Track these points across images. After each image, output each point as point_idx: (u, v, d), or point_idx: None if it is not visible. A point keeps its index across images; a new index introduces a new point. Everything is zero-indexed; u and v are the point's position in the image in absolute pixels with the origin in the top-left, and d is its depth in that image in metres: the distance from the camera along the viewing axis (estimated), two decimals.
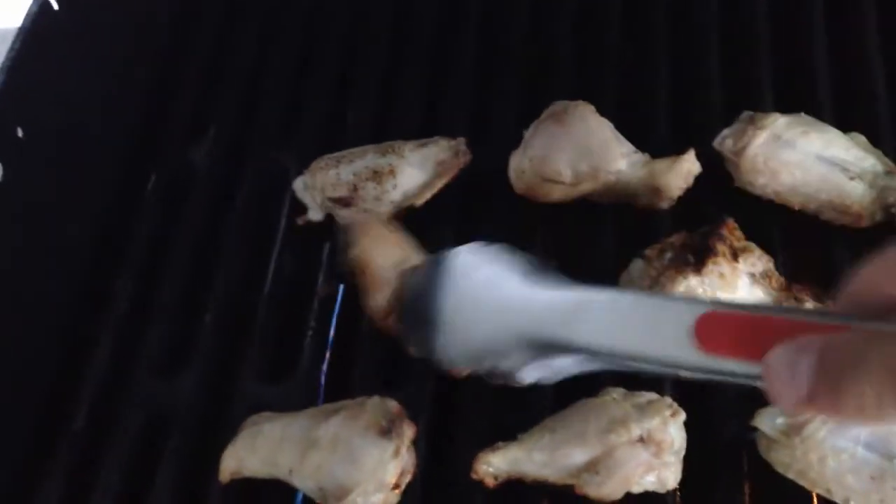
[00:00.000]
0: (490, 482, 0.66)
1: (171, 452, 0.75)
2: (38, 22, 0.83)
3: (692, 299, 0.54)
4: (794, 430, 0.63)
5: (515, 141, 0.83)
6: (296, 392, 0.77)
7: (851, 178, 0.76)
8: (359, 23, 1.00)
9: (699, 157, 0.79)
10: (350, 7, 1.02)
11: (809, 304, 0.70)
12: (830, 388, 0.36)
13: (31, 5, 0.83)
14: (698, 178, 0.79)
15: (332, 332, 0.80)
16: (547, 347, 0.48)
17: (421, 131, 0.89)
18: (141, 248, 0.88)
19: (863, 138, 0.79)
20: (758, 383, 0.39)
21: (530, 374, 0.51)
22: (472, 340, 0.52)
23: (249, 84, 0.98)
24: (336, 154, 0.86)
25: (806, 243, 0.78)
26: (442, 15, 0.99)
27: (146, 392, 0.79)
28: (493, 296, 0.51)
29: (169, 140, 0.95)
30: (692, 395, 0.68)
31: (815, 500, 0.65)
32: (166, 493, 0.73)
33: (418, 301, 0.54)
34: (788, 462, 0.64)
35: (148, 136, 0.96)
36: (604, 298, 0.46)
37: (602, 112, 0.82)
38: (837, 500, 0.63)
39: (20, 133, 0.79)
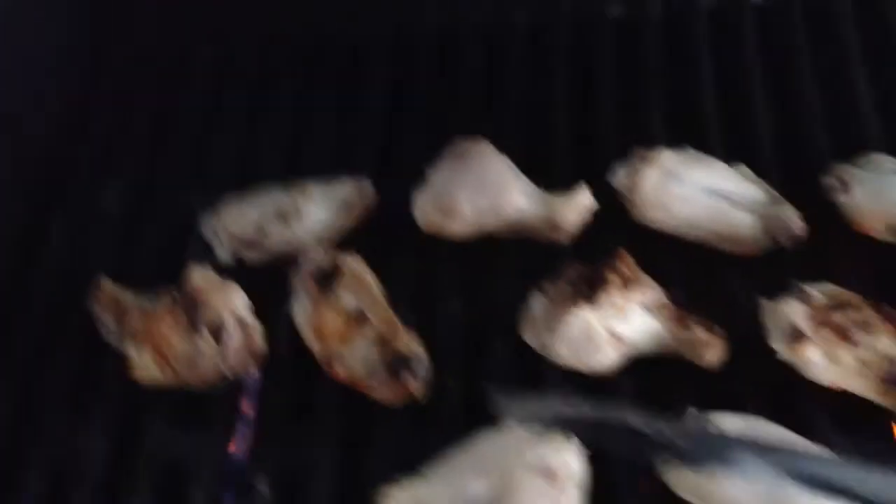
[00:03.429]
0: None
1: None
2: None
3: None
4: None
5: (420, 180, 0.84)
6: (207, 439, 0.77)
7: (737, 209, 0.79)
8: (268, 62, 1.02)
9: (598, 192, 0.82)
10: (259, 47, 1.03)
11: (700, 333, 0.72)
12: None
13: None
14: (598, 213, 0.82)
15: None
16: None
17: (332, 167, 0.90)
18: (48, 285, 0.87)
19: (747, 170, 0.82)
20: None
21: None
22: None
23: (159, 125, 0.98)
24: (242, 195, 0.87)
25: (700, 274, 0.80)
26: (350, 55, 1.02)
27: (50, 447, 0.78)
28: None
29: (77, 182, 0.95)
30: None
31: None
32: None
33: None
34: (691, 485, 0.65)
35: (56, 178, 0.95)
36: None
37: (502, 149, 0.84)
38: None
39: None
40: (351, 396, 0.75)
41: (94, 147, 0.98)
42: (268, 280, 0.83)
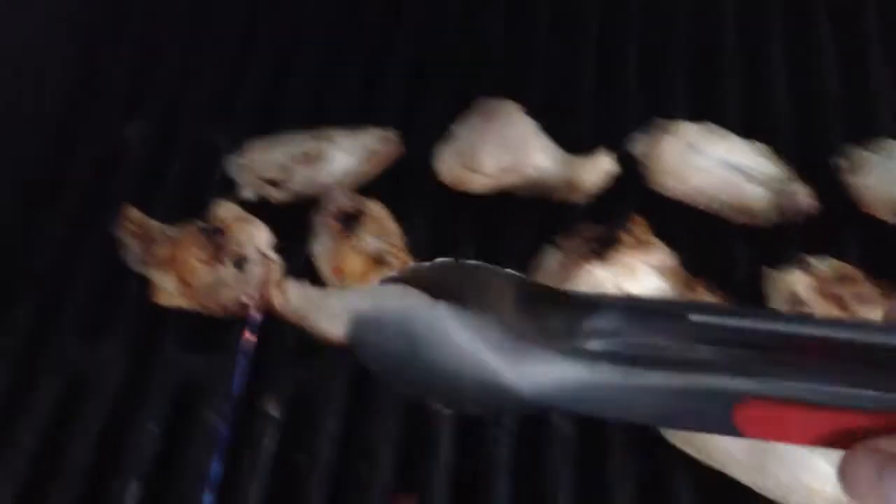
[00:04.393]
0: None
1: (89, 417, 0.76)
2: None
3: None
4: None
5: (444, 136, 0.87)
6: (220, 362, 0.79)
7: (751, 182, 0.82)
8: (300, 10, 1.03)
9: (615, 159, 0.84)
10: None
11: (705, 296, 0.75)
12: None
13: None
14: (613, 179, 0.84)
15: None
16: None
17: (354, 121, 0.92)
18: (71, 213, 0.90)
19: (763, 146, 0.85)
20: None
21: None
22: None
23: (185, 63, 1.00)
24: (270, 137, 0.89)
25: (708, 241, 0.83)
26: (381, 11, 1.03)
27: (68, 357, 0.80)
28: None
29: (102, 116, 0.96)
30: None
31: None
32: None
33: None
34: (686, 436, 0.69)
35: (80, 111, 0.97)
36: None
37: (528, 112, 0.87)
38: (716, 466, 0.68)
39: None
40: None
41: (121, 85, 1.00)
42: (289, 219, 0.85)
